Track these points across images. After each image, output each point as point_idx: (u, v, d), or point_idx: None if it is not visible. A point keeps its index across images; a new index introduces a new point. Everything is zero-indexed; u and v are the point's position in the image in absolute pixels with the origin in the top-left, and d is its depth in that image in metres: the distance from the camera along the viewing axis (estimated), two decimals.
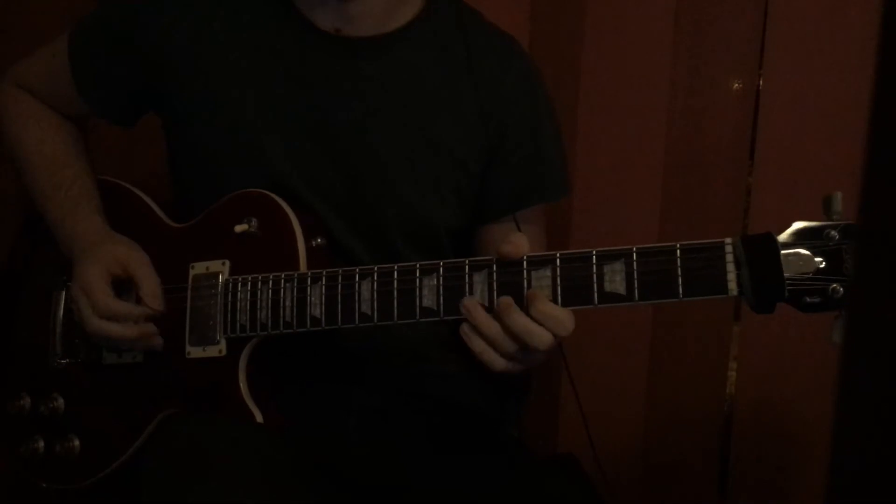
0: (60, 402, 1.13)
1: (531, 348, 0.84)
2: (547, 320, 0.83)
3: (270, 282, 0.99)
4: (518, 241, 0.87)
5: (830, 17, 1.34)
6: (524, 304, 0.85)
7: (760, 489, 1.47)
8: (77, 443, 1.10)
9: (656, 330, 1.51)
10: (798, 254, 0.78)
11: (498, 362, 0.86)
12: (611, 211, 1.49)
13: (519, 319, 0.84)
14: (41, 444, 1.12)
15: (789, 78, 1.38)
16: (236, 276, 1.02)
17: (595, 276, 0.84)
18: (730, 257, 0.80)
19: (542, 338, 0.84)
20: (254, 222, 1.02)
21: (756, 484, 1.47)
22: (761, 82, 1.41)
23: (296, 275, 0.98)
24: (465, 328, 0.87)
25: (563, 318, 0.83)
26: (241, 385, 1.00)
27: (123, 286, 1.06)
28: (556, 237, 1.49)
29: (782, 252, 0.78)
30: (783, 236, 0.79)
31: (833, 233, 0.78)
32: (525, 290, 0.86)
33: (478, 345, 0.87)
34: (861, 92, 1.32)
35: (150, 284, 1.04)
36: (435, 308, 0.90)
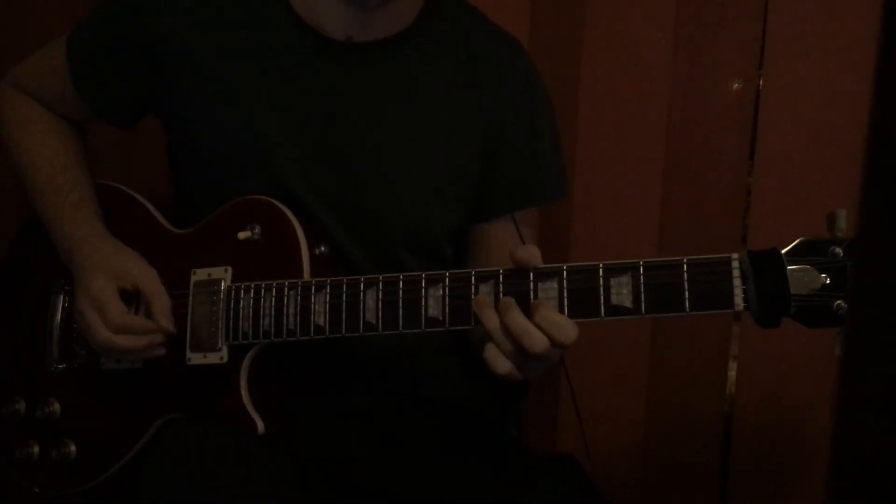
0: (56, 406, 1.12)
1: (527, 351, 0.83)
2: (550, 326, 0.82)
3: (274, 289, 0.98)
4: (532, 249, 0.86)
5: (830, 17, 1.34)
6: (530, 313, 0.84)
7: (760, 489, 1.47)
8: (73, 448, 1.10)
9: (656, 330, 1.51)
10: (804, 270, 0.78)
11: (502, 364, 0.85)
12: (611, 210, 1.49)
13: (517, 319, 0.83)
14: (36, 449, 1.12)
15: (789, 78, 1.38)
16: (239, 283, 1.01)
17: (602, 288, 0.83)
18: (736, 272, 0.80)
19: (537, 340, 0.82)
20: (257, 229, 1.01)
21: (756, 484, 1.47)
22: (761, 82, 1.40)
23: (300, 282, 0.97)
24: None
25: (565, 323, 0.83)
26: (243, 392, 1.00)
27: (128, 298, 1.05)
28: (556, 238, 1.49)
29: (788, 268, 0.79)
30: (788, 251, 0.79)
31: (837, 249, 0.78)
32: (532, 301, 0.85)
33: (488, 349, 0.86)
34: (861, 92, 1.32)
35: (162, 303, 1.03)
36: (440, 318, 0.89)
